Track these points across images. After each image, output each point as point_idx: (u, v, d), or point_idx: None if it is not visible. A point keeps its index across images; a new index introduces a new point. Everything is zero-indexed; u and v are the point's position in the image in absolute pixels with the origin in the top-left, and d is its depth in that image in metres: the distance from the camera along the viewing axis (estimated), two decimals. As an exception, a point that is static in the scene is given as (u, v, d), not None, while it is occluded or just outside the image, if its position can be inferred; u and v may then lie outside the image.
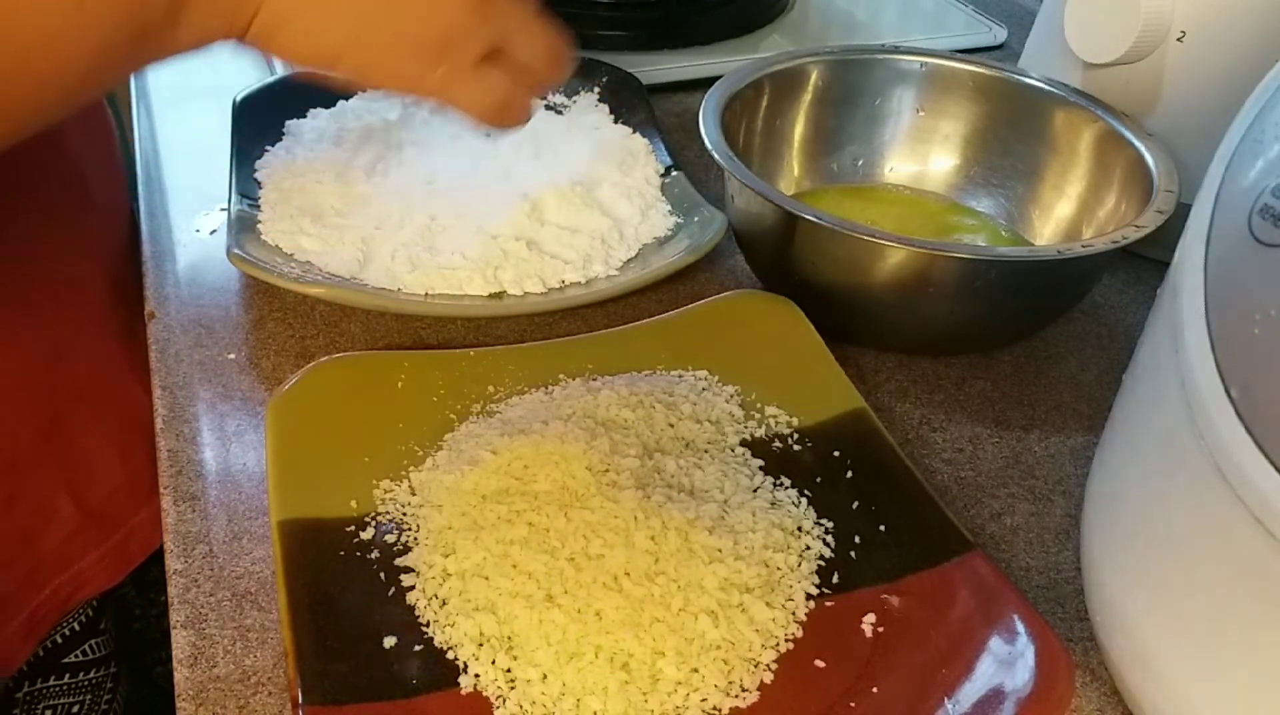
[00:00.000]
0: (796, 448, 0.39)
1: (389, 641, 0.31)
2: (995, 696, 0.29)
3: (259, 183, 0.51)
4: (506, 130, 0.38)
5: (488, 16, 0.34)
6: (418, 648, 0.31)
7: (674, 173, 0.55)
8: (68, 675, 0.52)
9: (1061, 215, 0.50)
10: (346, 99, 0.57)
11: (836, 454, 0.38)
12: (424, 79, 0.34)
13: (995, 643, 0.31)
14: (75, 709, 0.52)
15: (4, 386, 0.46)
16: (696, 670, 0.30)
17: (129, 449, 0.51)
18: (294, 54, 0.33)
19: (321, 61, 0.33)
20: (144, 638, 0.58)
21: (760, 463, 0.38)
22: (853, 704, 0.30)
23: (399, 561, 0.33)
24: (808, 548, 0.34)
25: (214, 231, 0.52)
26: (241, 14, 0.32)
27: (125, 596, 0.57)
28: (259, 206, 0.49)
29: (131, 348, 0.45)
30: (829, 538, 0.35)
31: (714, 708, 0.30)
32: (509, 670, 0.30)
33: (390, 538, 0.34)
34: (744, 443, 0.39)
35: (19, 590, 0.48)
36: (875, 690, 0.30)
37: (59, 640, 0.51)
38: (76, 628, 0.52)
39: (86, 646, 0.53)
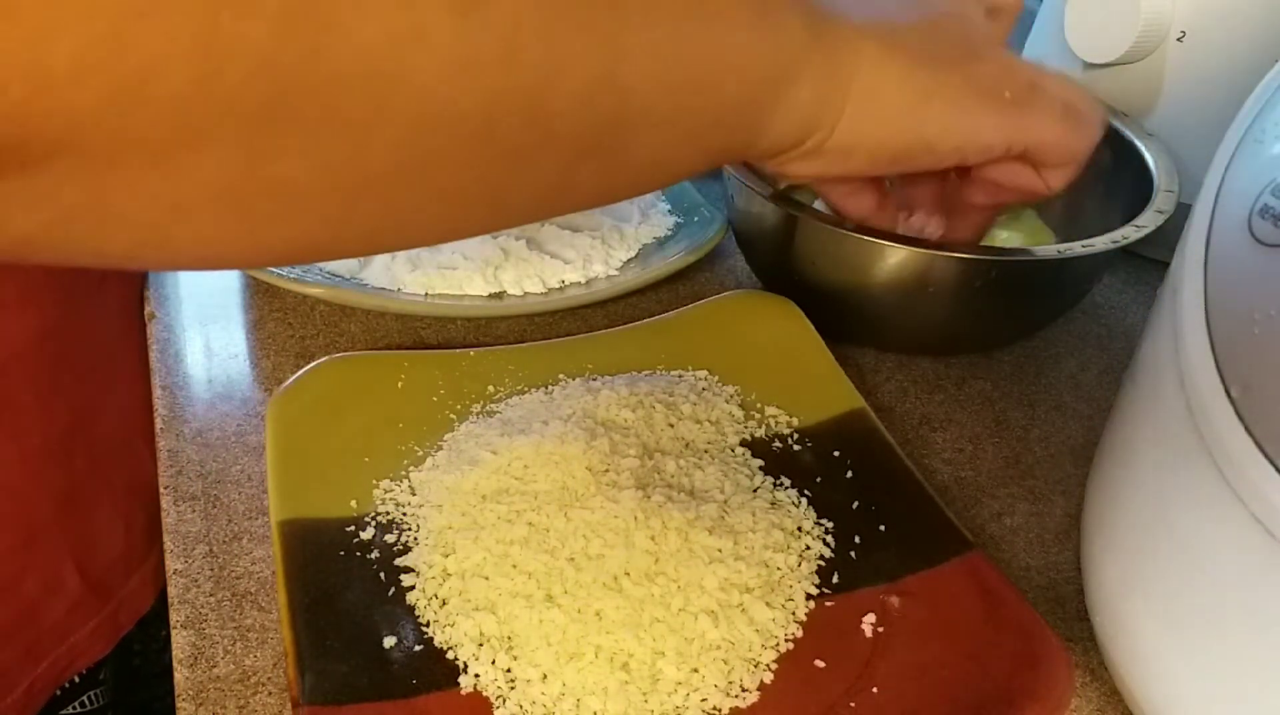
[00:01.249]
0: (796, 448, 0.39)
1: (389, 641, 0.31)
2: (995, 696, 0.29)
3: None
4: (1073, 159, 0.36)
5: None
6: (418, 648, 0.31)
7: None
8: None
9: (1061, 215, 0.50)
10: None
11: (836, 454, 0.38)
12: (995, 118, 0.33)
13: (995, 643, 0.31)
14: None
15: (29, 456, 0.45)
16: (696, 670, 0.30)
17: (132, 516, 0.50)
18: (867, 146, 0.31)
19: (898, 144, 0.31)
20: (143, 673, 0.58)
21: (760, 463, 0.38)
22: (853, 704, 0.30)
23: (399, 561, 0.33)
24: (808, 548, 0.34)
25: (214, 231, 0.52)
26: (817, 128, 0.30)
27: (122, 638, 0.57)
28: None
29: (147, 416, 0.44)
30: (829, 538, 0.35)
31: (714, 708, 0.30)
32: (509, 670, 0.30)
33: (390, 538, 0.34)
34: (744, 443, 0.39)
35: (18, 664, 0.47)
36: (875, 690, 0.30)
37: (58, 693, 0.50)
38: (76, 680, 0.51)
39: (85, 697, 0.52)
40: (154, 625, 0.55)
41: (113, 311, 0.47)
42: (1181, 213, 0.32)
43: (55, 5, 0.15)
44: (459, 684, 0.30)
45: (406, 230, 0.24)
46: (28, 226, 0.18)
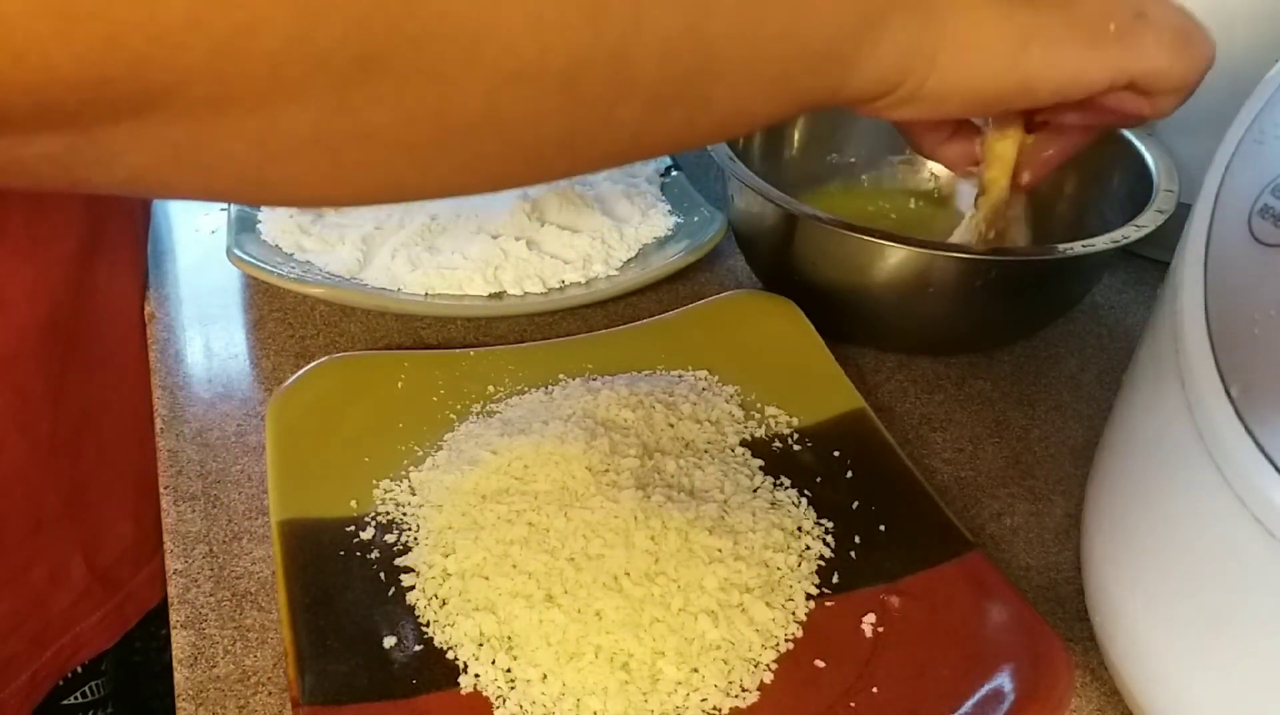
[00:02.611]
0: (796, 448, 0.39)
1: (389, 641, 0.31)
2: (995, 696, 0.29)
3: (259, 183, 0.51)
4: (1185, 86, 0.34)
5: None
6: (418, 648, 0.31)
7: (674, 173, 0.55)
8: None
9: (1061, 215, 0.50)
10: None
11: (836, 454, 0.38)
12: (1100, 54, 0.31)
13: (995, 643, 0.31)
14: None
15: (39, 446, 0.45)
16: (696, 670, 0.30)
17: (142, 511, 0.51)
18: (965, 91, 0.30)
19: (997, 89, 0.30)
20: (144, 671, 0.58)
21: (760, 463, 0.38)
22: (853, 704, 0.30)
23: (399, 561, 0.33)
24: (808, 548, 0.34)
25: (214, 231, 0.52)
26: (909, 75, 0.29)
27: (127, 631, 0.57)
28: (259, 206, 0.49)
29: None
30: (829, 538, 0.35)
31: (714, 708, 0.30)
32: (509, 670, 0.30)
33: (390, 538, 0.34)
34: (744, 443, 0.39)
35: (24, 652, 0.47)
36: (875, 690, 0.30)
37: (59, 683, 0.51)
38: (79, 670, 0.51)
39: (87, 688, 0.52)
40: (155, 623, 0.55)
41: (123, 306, 0.47)
42: (1181, 213, 0.32)
43: None
44: (459, 684, 0.30)
45: (487, 177, 0.25)
46: (138, 164, 0.19)
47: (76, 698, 0.52)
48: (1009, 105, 0.32)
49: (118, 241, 0.47)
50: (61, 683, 0.51)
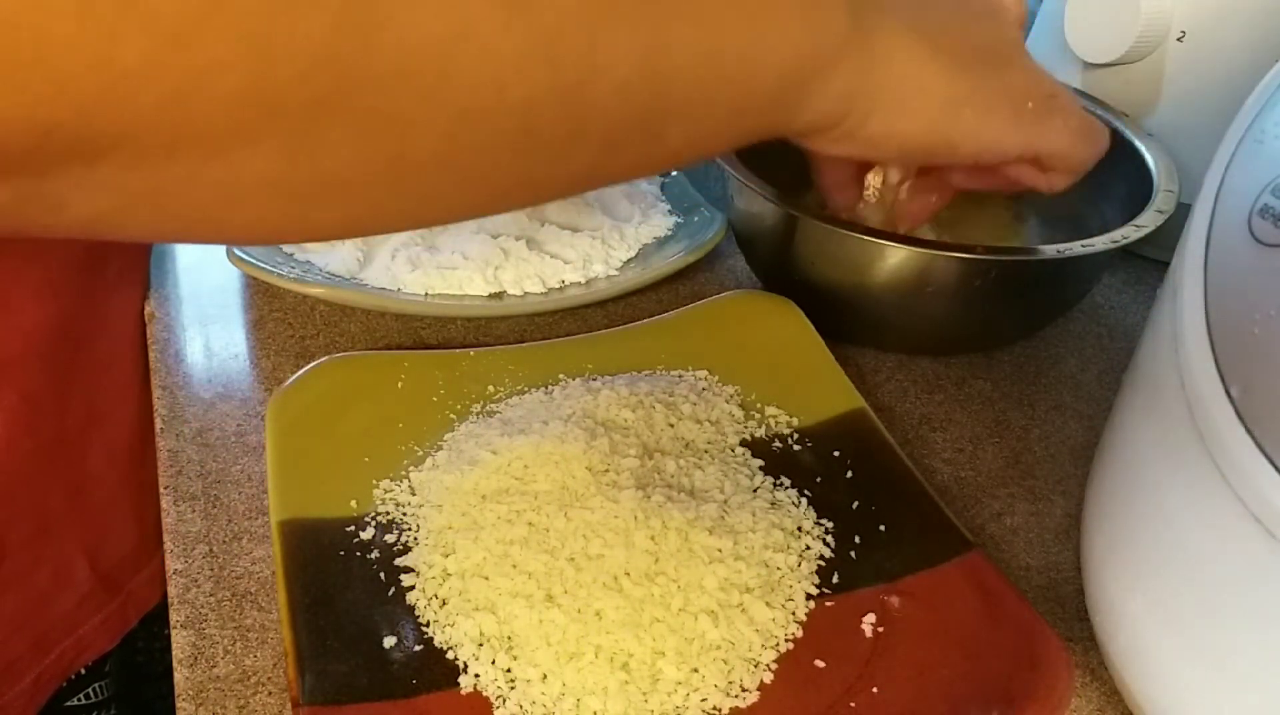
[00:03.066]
0: (796, 448, 0.39)
1: (389, 641, 0.31)
2: (995, 696, 0.29)
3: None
4: (1081, 169, 0.37)
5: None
6: (418, 648, 0.31)
7: (674, 173, 0.55)
8: None
9: (1061, 215, 0.50)
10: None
11: (836, 454, 0.38)
12: (1018, 129, 0.33)
13: (995, 643, 0.31)
14: None
15: (44, 448, 0.45)
16: (696, 670, 0.30)
17: (144, 512, 0.51)
18: (897, 138, 0.31)
19: (925, 141, 0.32)
20: (146, 671, 0.58)
21: (760, 463, 0.38)
22: (853, 704, 0.30)
23: (399, 561, 0.33)
24: (808, 548, 0.34)
25: (214, 231, 0.52)
26: (850, 114, 0.30)
27: (128, 632, 0.57)
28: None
29: None
30: (829, 538, 0.35)
31: (714, 708, 0.30)
32: (509, 670, 0.30)
33: (390, 538, 0.34)
34: (744, 443, 0.39)
35: (28, 654, 0.47)
36: (875, 690, 0.30)
37: (63, 685, 0.51)
38: (82, 671, 0.51)
39: (90, 690, 0.52)
40: (157, 623, 0.55)
41: (128, 308, 0.47)
42: (1181, 213, 0.32)
43: (126, 6, 0.16)
44: (459, 684, 0.30)
45: (445, 210, 0.25)
46: (89, 211, 0.19)
47: (80, 699, 0.52)
48: (931, 157, 0.34)
49: (124, 243, 0.47)
50: (64, 684, 0.51)
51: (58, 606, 0.48)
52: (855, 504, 0.36)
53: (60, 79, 0.16)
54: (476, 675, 0.30)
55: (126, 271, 0.47)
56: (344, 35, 0.18)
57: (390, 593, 0.32)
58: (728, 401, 0.40)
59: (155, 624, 0.55)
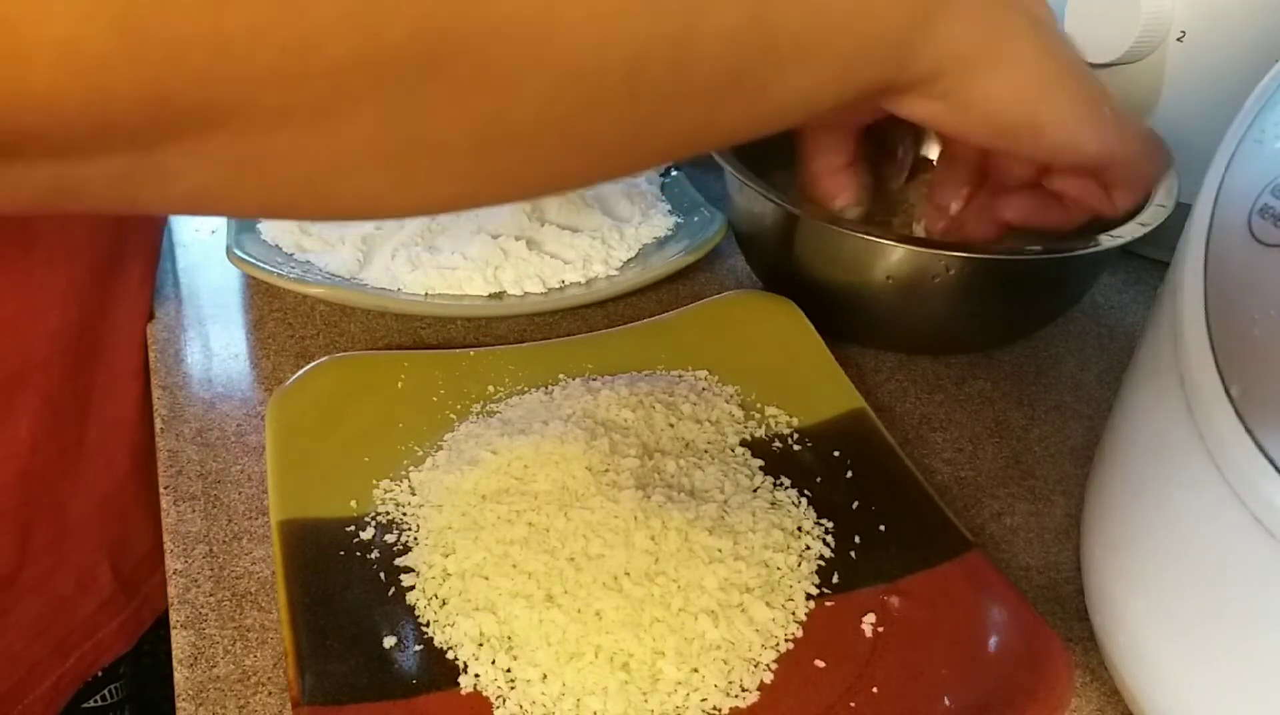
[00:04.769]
0: (796, 448, 0.39)
1: (389, 641, 0.31)
2: (995, 696, 0.29)
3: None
4: (1148, 185, 0.37)
5: None
6: (418, 648, 0.31)
7: (674, 173, 0.55)
8: None
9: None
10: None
11: (836, 454, 0.38)
12: (1098, 128, 0.33)
13: (995, 643, 0.31)
14: None
15: (65, 456, 0.45)
16: (696, 670, 0.30)
17: (157, 513, 0.51)
18: (990, 105, 0.30)
19: (1015, 116, 0.31)
20: (154, 673, 0.58)
21: (760, 463, 0.38)
22: (853, 704, 0.30)
23: (399, 561, 0.33)
24: (808, 548, 0.34)
25: (214, 231, 0.52)
26: (954, 66, 0.29)
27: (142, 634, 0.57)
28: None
29: None
30: (829, 538, 0.35)
31: (714, 708, 0.30)
32: (509, 670, 0.30)
33: (390, 538, 0.34)
34: (744, 443, 0.39)
35: (47, 659, 0.47)
36: (875, 690, 0.30)
37: (80, 687, 0.51)
38: (99, 673, 0.51)
39: (106, 691, 0.52)
40: (164, 626, 0.55)
41: (145, 314, 0.47)
42: (1181, 213, 0.32)
43: None
44: (459, 684, 0.30)
45: (546, 178, 0.24)
46: (198, 183, 0.19)
47: (96, 701, 0.51)
48: (1016, 140, 0.32)
49: (143, 246, 0.47)
50: (82, 686, 0.51)
51: (80, 611, 0.48)
52: (855, 504, 0.36)
53: (174, 48, 0.16)
54: (476, 675, 0.30)
55: (146, 275, 0.46)
56: None
57: (390, 593, 0.32)
58: (728, 401, 0.40)
59: (162, 626, 0.55)
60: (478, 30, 0.19)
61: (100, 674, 0.51)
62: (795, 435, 0.39)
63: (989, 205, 0.42)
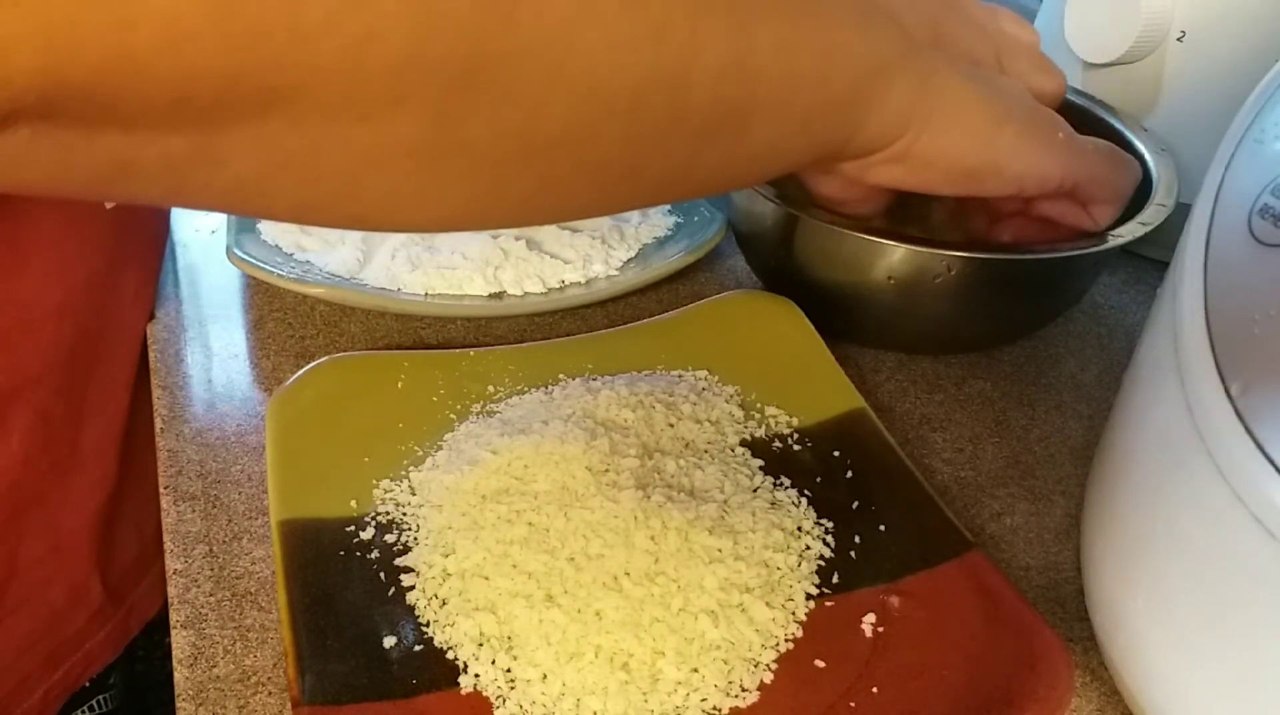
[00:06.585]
0: (796, 448, 0.39)
1: (389, 641, 0.31)
2: (995, 697, 0.29)
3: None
4: (1122, 196, 0.39)
5: None
6: (418, 648, 0.31)
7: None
8: None
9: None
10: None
11: (836, 454, 0.38)
12: (1055, 153, 0.35)
13: (995, 643, 0.31)
14: None
15: (58, 470, 0.45)
16: (696, 670, 0.30)
17: (144, 521, 0.51)
18: (948, 158, 0.33)
19: (973, 161, 0.33)
20: (148, 680, 0.58)
21: (760, 463, 0.38)
22: (853, 704, 0.30)
23: (399, 561, 0.33)
24: (808, 548, 0.34)
25: (214, 231, 0.52)
26: (906, 130, 0.32)
27: (130, 642, 0.57)
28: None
29: None
30: (829, 538, 0.35)
31: (714, 708, 0.30)
32: (509, 670, 0.30)
33: (390, 538, 0.34)
34: (744, 443, 0.39)
35: (37, 671, 0.47)
36: (875, 690, 0.30)
37: (68, 698, 0.51)
38: (87, 684, 0.51)
39: (95, 701, 0.52)
40: (159, 632, 0.55)
41: (142, 329, 0.47)
42: (1181, 213, 0.32)
43: None
44: (459, 684, 0.30)
45: (553, 201, 0.26)
46: (244, 170, 0.20)
47: (85, 712, 0.51)
48: (980, 183, 0.34)
49: (140, 260, 0.47)
50: (69, 699, 0.50)
51: (70, 624, 0.48)
52: (855, 504, 0.36)
53: (257, 30, 0.17)
54: (476, 675, 0.30)
55: (141, 289, 0.47)
56: (486, 9, 0.20)
57: (390, 593, 0.32)
58: (728, 401, 0.40)
59: (156, 632, 0.55)
60: (512, 45, 0.20)
61: (88, 684, 0.51)
62: (795, 435, 0.39)
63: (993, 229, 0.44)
